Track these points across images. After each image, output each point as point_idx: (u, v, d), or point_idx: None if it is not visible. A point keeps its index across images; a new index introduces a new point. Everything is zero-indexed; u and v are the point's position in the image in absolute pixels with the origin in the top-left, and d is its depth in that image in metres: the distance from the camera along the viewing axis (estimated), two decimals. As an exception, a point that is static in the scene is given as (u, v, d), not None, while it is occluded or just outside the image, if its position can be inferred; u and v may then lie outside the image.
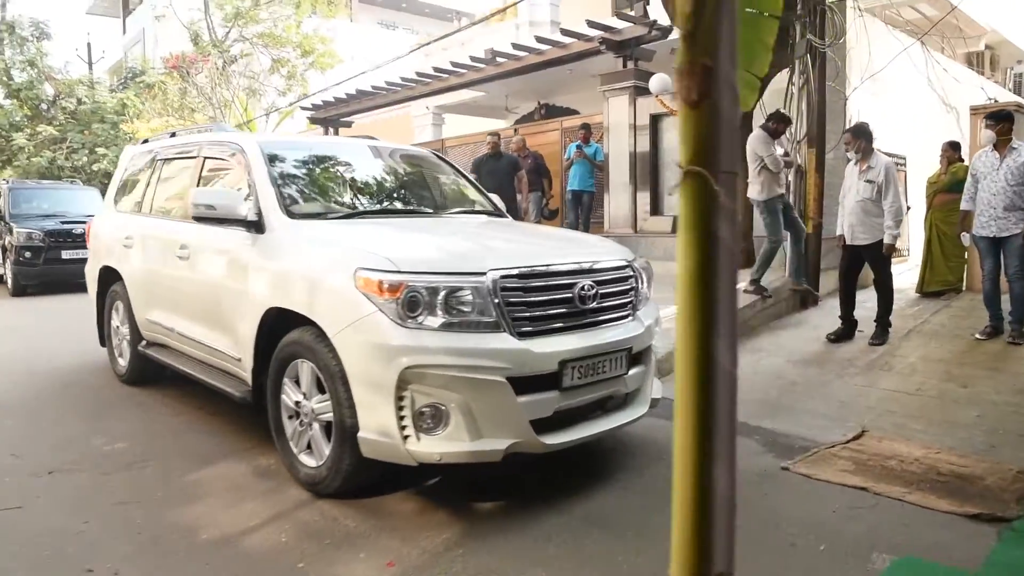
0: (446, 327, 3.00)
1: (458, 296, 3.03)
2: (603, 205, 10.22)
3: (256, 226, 3.80)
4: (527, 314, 3.14)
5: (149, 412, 4.68)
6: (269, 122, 22.17)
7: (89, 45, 27.20)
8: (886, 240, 5.83)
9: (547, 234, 4.21)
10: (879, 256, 5.96)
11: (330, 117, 16.08)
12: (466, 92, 16.80)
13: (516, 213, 9.32)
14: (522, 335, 3.10)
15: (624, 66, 9.90)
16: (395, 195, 4.40)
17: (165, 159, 5.08)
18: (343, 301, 3.12)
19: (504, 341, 3.04)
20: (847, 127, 7.41)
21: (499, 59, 11.66)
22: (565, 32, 10.36)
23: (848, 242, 6.10)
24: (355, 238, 3.52)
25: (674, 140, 9.65)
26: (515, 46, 11.21)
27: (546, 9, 14.39)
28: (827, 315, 6.97)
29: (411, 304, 2.97)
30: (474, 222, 4.27)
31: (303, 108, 17.19)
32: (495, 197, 5.04)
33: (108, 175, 20.34)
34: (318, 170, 4.30)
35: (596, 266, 3.47)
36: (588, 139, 9.74)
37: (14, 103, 22.19)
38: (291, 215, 3.79)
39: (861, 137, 5.93)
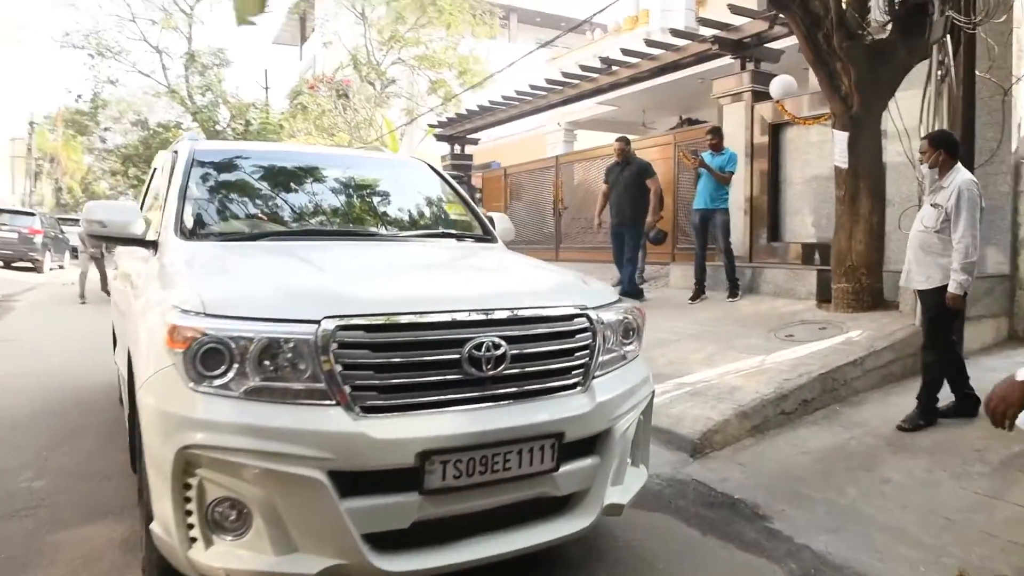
0: (253, 394, 2.15)
1: (277, 352, 2.17)
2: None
3: (155, 247, 3.18)
4: (377, 381, 2.21)
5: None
6: (413, 140, 22.54)
7: (266, 71, 29.43)
8: (951, 288, 4.19)
9: (494, 267, 3.20)
10: (938, 309, 4.31)
11: (456, 134, 15.77)
12: (599, 107, 15.93)
13: (636, 228, 8.20)
14: (367, 411, 2.17)
15: (743, 68, 8.54)
16: (338, 214, 3.60)
17: (152, 173, 4.69)
18: (149, 348, 2.38)
19: (330, 419, 2.13)
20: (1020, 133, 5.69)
21: (614, 67, 10.64)
22: (675, 33, 9.17)
23: (902, 283, 4.63)
24: (214, 267, 2.77)
25: (797, 153, 8.14)
26: (625, 52, 10.17)
27: (681, 14, 13.13)
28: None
29: (207, 359, 2.15)
30: (425, 248, 3.37)
31: (430, 125, 17.06)
32: (502, 218, 4.13)
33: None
34: (253, 182, 3.61)
35: (515, 315, 2.45)
36: (720, 146, 7.85)
37: (194, 124, 24.27)
38: (187, 235, 3.12)
39: (940, 146, 4.35)
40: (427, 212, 3.90)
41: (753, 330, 6.20)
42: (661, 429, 4.49)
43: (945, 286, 4.21)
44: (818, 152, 7.62)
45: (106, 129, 26.30)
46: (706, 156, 7.68)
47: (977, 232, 4.16)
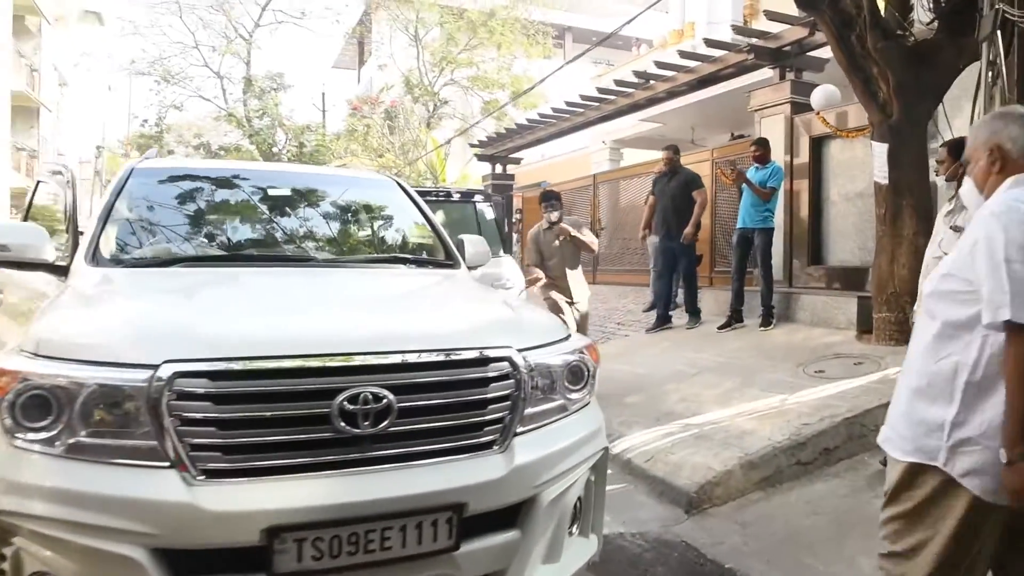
0: (76, 451, 1.81)
1: (108, 402, 1.83)
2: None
3: (66, 273, 2.92)
4: (220, 440, 1.84)
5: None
6: (462, 159, 22.39)
7: (323, 94, 29.93)
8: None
9: (423, 300, 2.76)
10: None
11: (498, 153, 15.48)
12: (643, 124, 15.40)
13: (670, 239, 7.66)
14: (209, 475, 1.81)
15: (782, 78, 7.94)
16: (276, 237, 3.25)
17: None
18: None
19: (159, 485, 1.78)
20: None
21: (651, 81, 10.16)
22: (710, 43, 8.64)
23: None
24: (93, 298, 2.46)
25: (840, 169, 7.48)
26: (659, 64, 9.68)
27: (727, 26, 12.54)
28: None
29: (30, 409, 1.82)
30: (358, 277, 2.99)
31: (471, 145, 16.83)
32: (475, 241, 3.74)
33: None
34: (188, 203, 3.31)
35: (405, 360, 2.05)
36: (766, 159, 7.04)
37: (252, 147, 24.79)
38: (99, 260, 2.84)
39: (951, 153, 3.73)
40: (383, 236, 3.54)
41: (781, 364, 5.60)
42: (656, 478, 4.00)
43: None
44: (862, 167, 6.96)
45: (170, 152, 27.08)
46: (750, 171, 7.05)
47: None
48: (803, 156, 7.70)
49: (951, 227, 3.59)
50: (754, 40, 7.95)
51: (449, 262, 3.43)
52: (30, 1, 22.20)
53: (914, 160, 5.37)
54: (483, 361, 2.15)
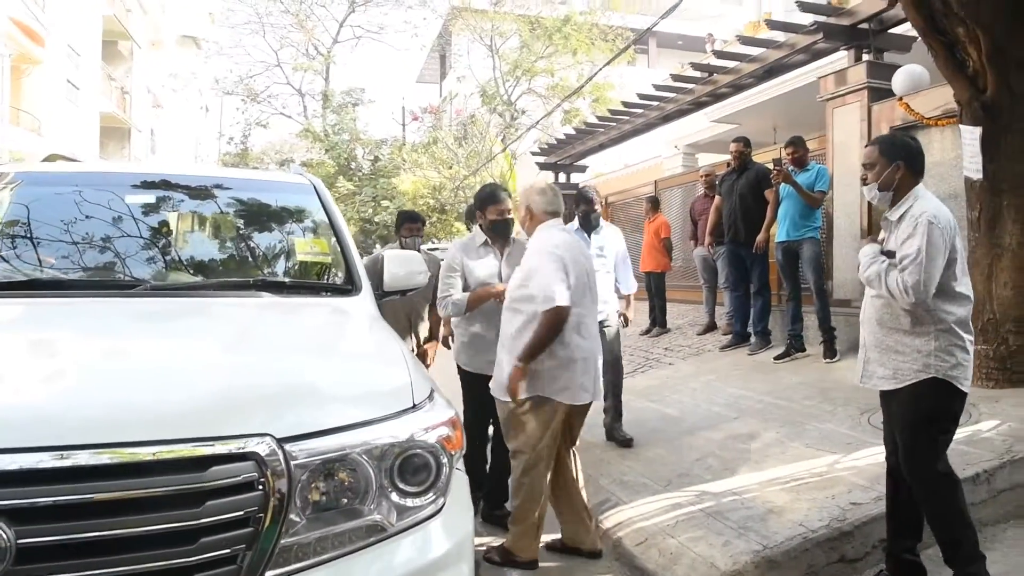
0: None
1: None
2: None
3: None
4: None
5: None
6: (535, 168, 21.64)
7: (403, 108, 29.93)
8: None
9: (205, 351, 1.82)
10: (907, 429, 2.60)
11: (560, 160, 14.58)
12: (718, 126, 14.20)
13: (738, 245, 6.62)
14: None
15: (857, 60, 6.70)
16: (97, 259, 2.49)
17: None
18: None
19: None
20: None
21: (713, 74, 9.05)
22: (772, 24, 7.49)
23: (859, 380, 2.78)
24: None
25: (929, 164, 6.16)
26: (718, 54, 8.57)
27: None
28: None
29: None
30: (162, 311, 2.14)
31: (532, 153, 15.99)
32: (402, 260, 2.91)
33: (388, 226, 21.71)
34: (22, 216, 2.62)
35: (36, 463, 1.23)
36: (805, 161, 6.16)
37: (330, 161, 24.94)
38: None
39: (893, 157, 2.62)
40: (260, 254, 2.74)
41: (840, 409, 4.45)
42: (645, 571, 3.02)
43: (927, 380, 2.50)
44: (955, 163, 5.67)
45: (255, 168, 27.74)
46: (778, 166, 5.94)
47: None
48: (884, 151, 6.43)
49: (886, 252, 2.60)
50: (822, 17, 6.75)
51: (346, 287, 2.60)
52: (122, 27, 23.10)
53: (1018, 147, 4.13)
54: (191, 464, 1.31)
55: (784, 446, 3.98)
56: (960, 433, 3.58)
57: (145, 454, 1.28)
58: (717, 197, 7.11)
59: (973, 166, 4.20)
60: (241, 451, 1.35)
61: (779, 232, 6.12)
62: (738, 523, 3.13)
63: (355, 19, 28.24)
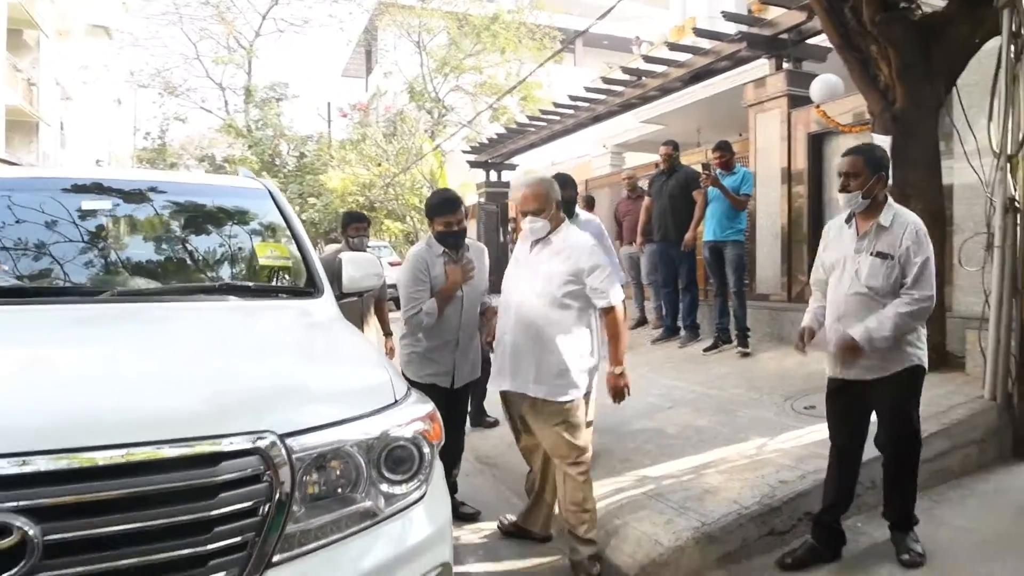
0: None
1: None
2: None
3: None
4: None
5: None
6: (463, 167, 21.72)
7: (328, 104, 29.43)
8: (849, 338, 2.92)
9: (178, 355, 1.86)
10: (900, 406, 2.95)
11: (491, 159, 14.76)
12: (645, 127, 14.62)
13: (669, 244, 6.93)
14: None
15: (778, 69, 7.12)
16: (62, 265, 2.51)
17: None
18: None
19: None
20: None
21: (641, 77, 9.38)
22: (699, 32, 7.85)
23: (833, 374, 3.04)
24: None
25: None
26: (647, 59, 8.90)
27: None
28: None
29: None
30: (137, 316, 2.18)
31: (464, 151, 16.11)
32: (360, 262, 3.01)
33: (314, 223, 21.39)
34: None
35: (52, 466, 1.30)
36: (730, 164, 6.40)
37: (253, 157, 24.33)
38: None
39: (877, 168, 2.88)
40: (221, 258, 2.79)
41: (767, 397, 4.78)
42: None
43: (907, 370, 2.87)
44: (867, 166, 6.12)
45: (173, 165, 26.75)
46: (707, 170, 6.28)
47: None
48: (802, 156, 6.86)
49: (873, 254, 2.86)
50: (745, 28, 7.14)
51: (308, 290, 2.69)
52: (28, 15, 21.90)
53: (923, 156, 4.53)
54: (204, 460, 1.40)
55: (716, 432, 4.26)
56: (873, 416, 3.93)
57: (164, 453, 1.37)
58: (647, 198, 7.41)
59: (883, 172, 4.56)
60: (248, 447, 1.45)
61: (707, 232, 6.43)
62: (678, 503, 3.37)
63: (278, 12, 27.46)
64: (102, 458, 1.33)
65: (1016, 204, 4.08)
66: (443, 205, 3.42)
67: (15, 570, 1.23)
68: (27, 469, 1.28)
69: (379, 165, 20.40)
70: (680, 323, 7.05)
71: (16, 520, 1.24)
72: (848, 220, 3.00)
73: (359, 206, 20.55)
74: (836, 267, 3.00)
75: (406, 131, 21.42)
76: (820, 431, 3.96)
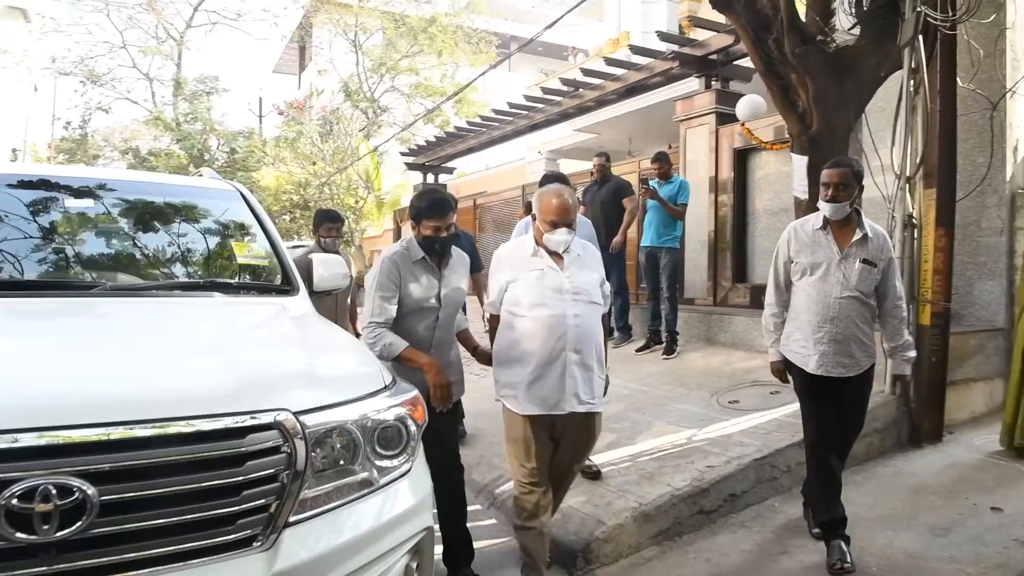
0: None
1: None
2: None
3: None
4: None
5: None
6: (399, 168, 21.80)
7: (260, 99, 28.92)
8: (907, 371, 3.39)
9: (183, 345, 2.05)
10: (865, 398, 3.33)
11: (429, 162, 14.94)
12: (579, 135, 15.07)
13: (600, 249, 7.10)
14: None
15: (708, 87, 7.62)
16: (52, 259, 2.65)
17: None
18: None
19: None
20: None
21: (580, 89, 9.78)
22: (635, 50, 8.30)
23: (811, 369, 3.19)
24: None
25: (766, 183, 7.17)
26: (585, 72, 9.31)
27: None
28: (948, 462, 4.31)
29: None
30: (135, 309, 2.36)
31: (401, 153, 16.24)
32: (330, 262, 3.22)
33: (244, 221, 21.01)
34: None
35: (108, 438, 1.50)
36: (669, 174, 6.73)
37: (182, 151, 23.73)
38: None
39: (859, 180, 3.16)
40: (201, 256, 2.96)
41: (695, 392, 5.19)
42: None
43: (873, 364, 3.24)
44: (787, 182, 6.64)
45: (95, 157, 25.79)
46: (653, 184, 6.69)
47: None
48: (728, 169, 7.37)
49: (860, 261, 3.12)
50: (677, 47, 7.60)
51: (285, 287, 2.90)
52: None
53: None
54: (234, 433, 1.63)
55: (650, 425, 4.63)
56: (790, 407, 4.38)
57: (200, 426, 1.58)
58: (581, 206, 7.77)
59: (800, 188, 5.04)
60: (268, 422, 1.67)
61: (644, 238, 6.78)
62: (617, 487, 3.70)
63: (211, 3, 26.94)
64: (148, 430, 1.53)
65: (913, 220, 4.60)
66: (433, 207, 2.90)
67: (76, 526, 1.43)
68: (80, 438, 1.48)
69: (314, 164, 20.27)
70: (613, 324, 7.43)
71: (75, 482, 1.44)
72: (824, 227, 3.15)
73: (293, 205, 20.38)
74: (816, 270, 3.13)
75: (342, 131, 21.31)
76: (744, 423, 4.40)
